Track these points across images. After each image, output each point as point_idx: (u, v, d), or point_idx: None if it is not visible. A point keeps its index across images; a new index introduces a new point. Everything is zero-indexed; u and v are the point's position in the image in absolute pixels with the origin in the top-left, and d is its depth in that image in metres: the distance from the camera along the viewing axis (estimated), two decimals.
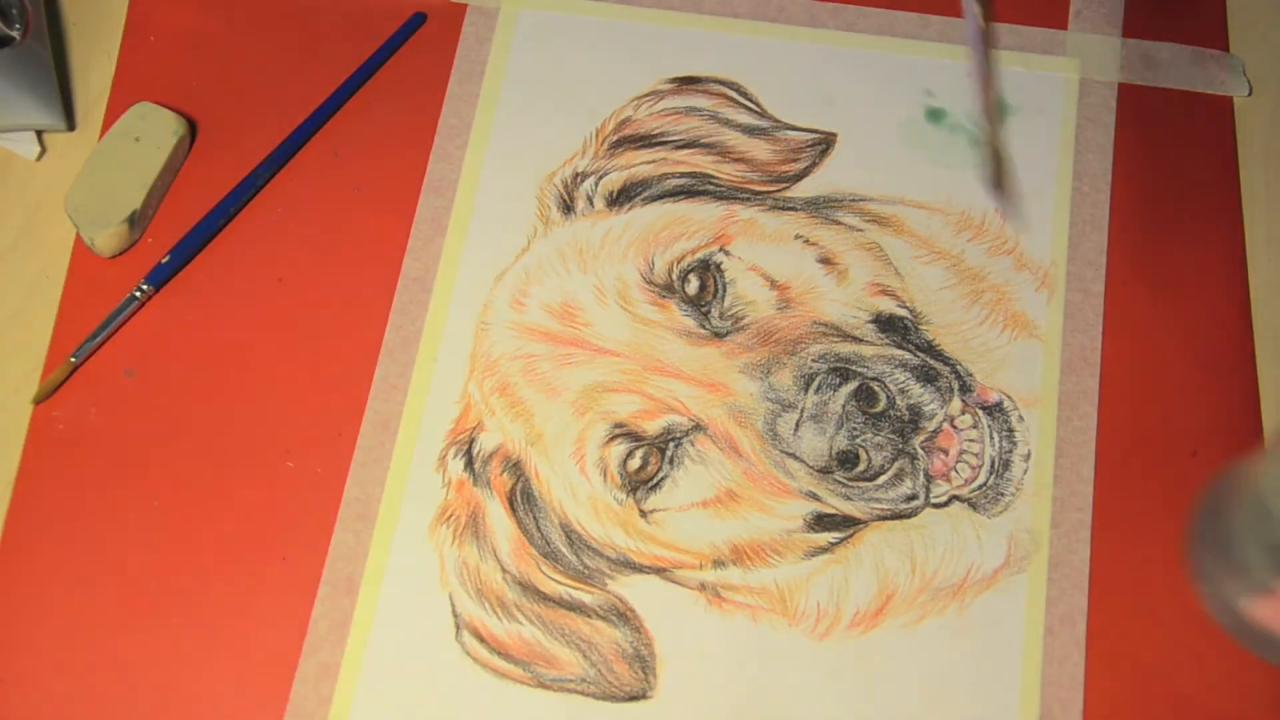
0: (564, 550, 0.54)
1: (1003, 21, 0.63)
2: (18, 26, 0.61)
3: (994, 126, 0.51)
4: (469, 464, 0.55)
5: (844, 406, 0.55)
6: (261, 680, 0.52)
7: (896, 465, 0.55)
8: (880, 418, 0.55)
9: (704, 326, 0.57)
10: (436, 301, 0.58)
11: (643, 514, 0.54)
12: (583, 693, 0.52)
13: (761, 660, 0.52)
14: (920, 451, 0.55)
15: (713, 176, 0.60)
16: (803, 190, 0.60)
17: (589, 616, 0.53)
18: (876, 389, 0.55)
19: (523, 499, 0.55)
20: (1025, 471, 0.55)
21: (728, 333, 0.57)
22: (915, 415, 0.55)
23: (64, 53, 0.64)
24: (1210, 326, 0.57)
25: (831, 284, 0.58)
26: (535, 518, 0.55)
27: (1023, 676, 0.52)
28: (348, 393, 0.57)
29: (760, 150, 0.60)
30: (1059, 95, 0.61)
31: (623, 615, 0.53)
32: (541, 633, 0.53)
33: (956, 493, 0.54)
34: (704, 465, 0.55)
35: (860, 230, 0.59)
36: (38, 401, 0.57)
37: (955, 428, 0.55)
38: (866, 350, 0.56)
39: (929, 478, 0.54)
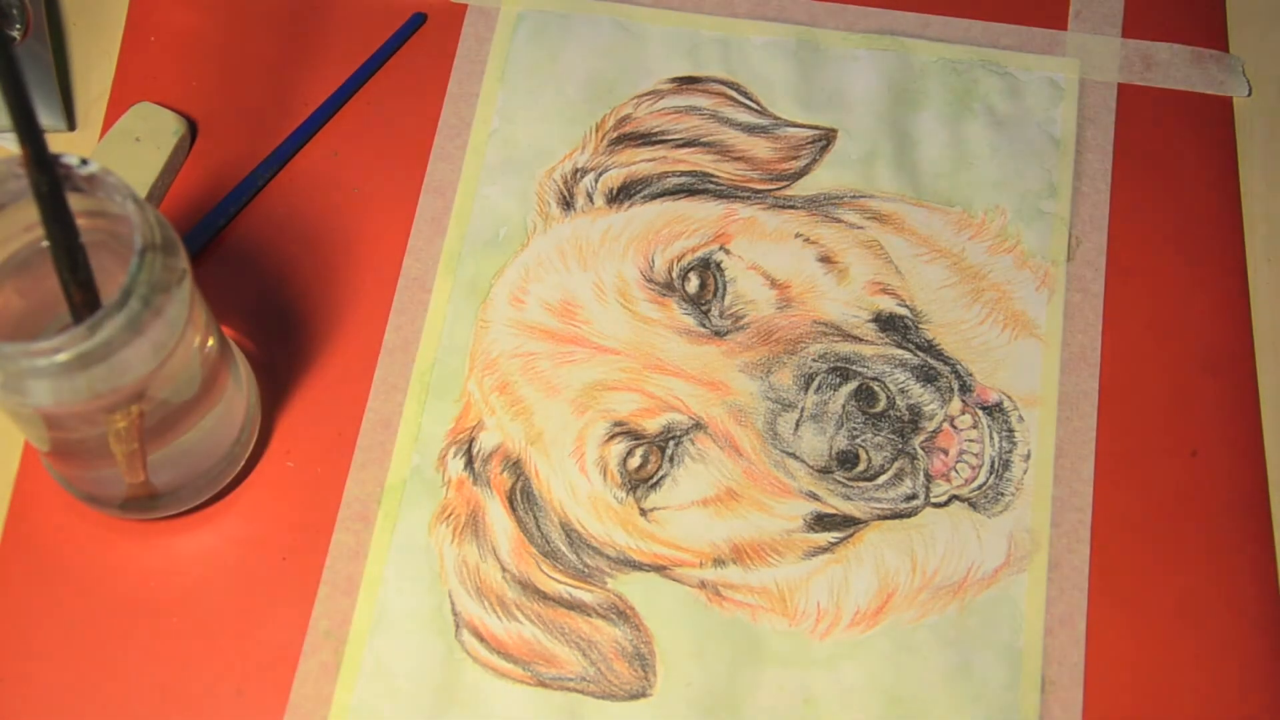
0: (564, 549, 0.54)
1: (1003, 22, 0.63)
2: (18, 26, 0.61)
3: None
4: (469, 463, 0.55)
5: (844, 406, 0.55)
6: (261, 680, 0.52)
7: (896, 465, 0.54)
8: (880, 417, 0.55)
9: (704, 325, 0.57)
10: (436, 301, 0.58)
11: (643, 512, 0.54)
12: (583, 691, 0.52)
13: (761, 659, 0.52)
14: (920, 451, 0.55)
15: (713, 175, 0.60)
16: (803, 188, 0.60)
17: (589, 615, 0.53)
18: (876, 389, 0.55)
19: (523, 498, 0.55)
20: (1025, 471, 0.55)
21: (728, 331, 0.57)
22: (915, 415, 0.55)
23: (64, 53, 0.64)
24: (1210, 326, 0.57)
25: (832, 283, 0.58)
26: (535, 516, 0.55)
27: (1023, 676, 0.52)
28: (348, 393, 0.57)
29: (760, 148, 0.60)
30: (1059, 95, 0.61)
31: (622, 614, 0.53)
32: (541, 631, 0.53)
33: (956, 492, 0.54)
34: (704, 464, 0.55)
35: (861, 228, 0.59)
36: None
37: (955, 428, 0.55)
38: (866, 350, 0.56)
39: (929, 477, 0.54)
